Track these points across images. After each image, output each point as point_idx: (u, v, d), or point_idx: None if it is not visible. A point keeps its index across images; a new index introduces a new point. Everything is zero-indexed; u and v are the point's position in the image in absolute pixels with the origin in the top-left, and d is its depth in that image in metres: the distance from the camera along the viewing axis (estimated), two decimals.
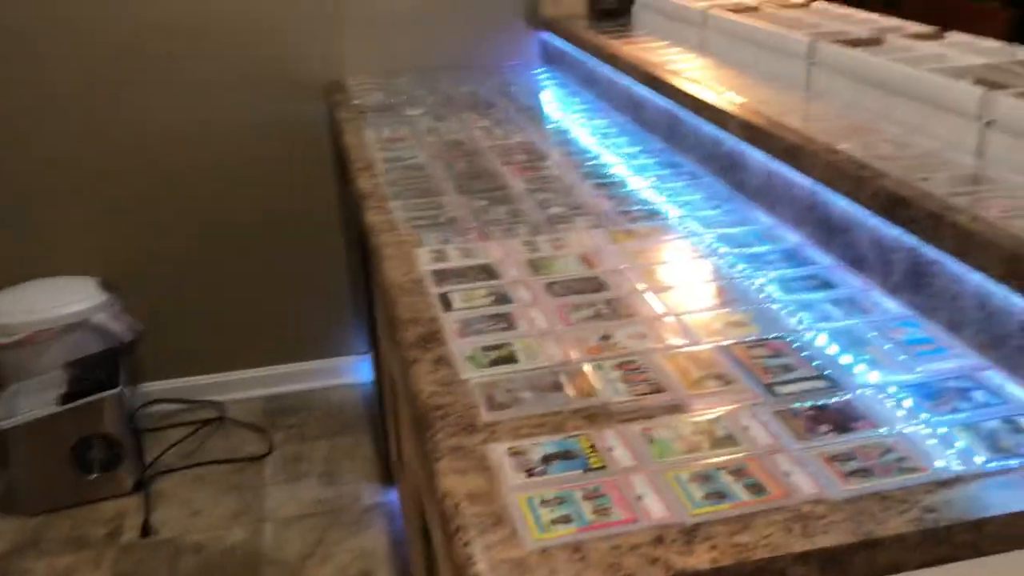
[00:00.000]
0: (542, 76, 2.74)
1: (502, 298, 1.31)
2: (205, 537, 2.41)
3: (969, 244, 1.04)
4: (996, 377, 1.06)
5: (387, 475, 2.53)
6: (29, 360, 2.56)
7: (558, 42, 2.67)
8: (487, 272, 1.40)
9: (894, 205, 1.17)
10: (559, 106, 2.41)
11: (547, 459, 0.94)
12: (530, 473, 0.92)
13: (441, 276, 1.39)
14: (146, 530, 2.43)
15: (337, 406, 2.97)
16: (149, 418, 2.89)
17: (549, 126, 2.24)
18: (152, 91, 2.67)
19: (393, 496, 2.50)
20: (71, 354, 2.59)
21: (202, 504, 2.54)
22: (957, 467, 0.91)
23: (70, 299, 2.61)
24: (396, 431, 2.12)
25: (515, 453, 0.95)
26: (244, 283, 2.92)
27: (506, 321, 1.24)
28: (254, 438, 2.82)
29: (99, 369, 2.57)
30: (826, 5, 2.04)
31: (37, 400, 2.47)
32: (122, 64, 2.63)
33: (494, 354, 1.15)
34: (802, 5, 2.09)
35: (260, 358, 3.02)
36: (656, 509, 0.86)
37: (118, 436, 2.53)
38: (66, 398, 2.46)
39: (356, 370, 3.05)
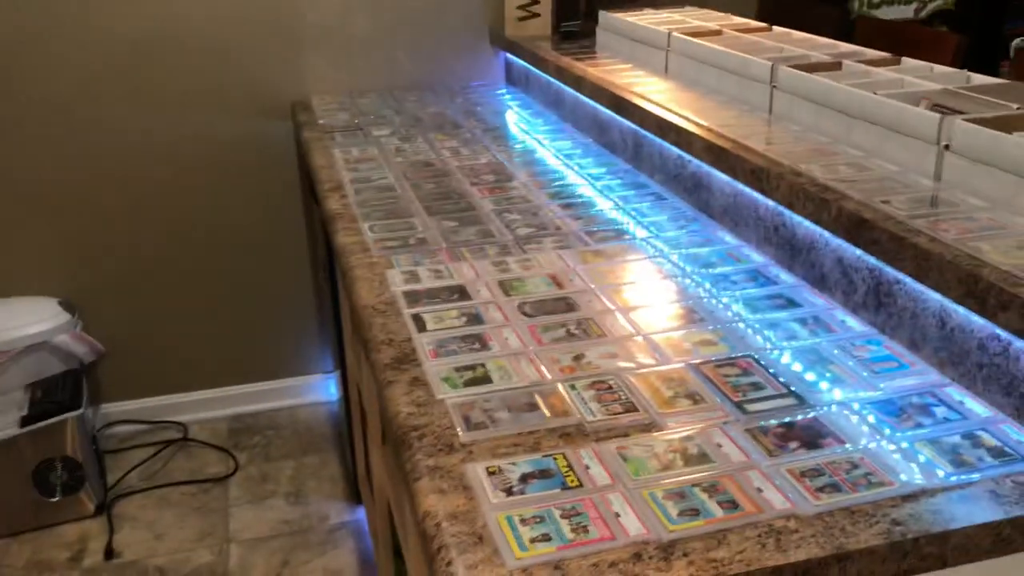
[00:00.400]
0: (507, 97, 2.77)
1: (474, 318, 1.33)
2: (169, 560, 2.38)
3: (928, 265, 1.08)
4: (956, 393, 1.10)
5: (354, 494, 2.53)
6: None
7: (522, 63, 2.70)
8: (459, 293, 1.41)
9: (856, 227, 1.20)
10: (525, 127, 2.44)
11: (525, 478, 0.96)
12: (509, 492, 0.93)
13: (413, 297, 1.40)
14: (109, 553, 2.40)
15: (303, 425, 2.96)
16: (111, 439, 2.86)
17: (515, 146, 2.26)
18: (116, 109, 2.65)
19: (361, 515, 2.50)
20: (32, 375, 2.56)
21: (166, 526, 2.51)
22: (921, 481, 0.94)
23: (30, 320, 2.58)
24: (364, 449, 2.12)
25: (493, 472, 0.97)
26: (208, 302, 2.90)
27: (479, 341, 1.26)
28: (218, 458, 2.80)
29: (60, 390, 2.54)
30: (786, 30, 2.09)
31: None
32: (84, 82, 2.61)
33: (469, 374, 1.17)
34: (763, 29, 2.14)
35: (224, 377, 3.00)
36: (633, 526, 0.88)
37: (80, 458, 2.50)
38: (27, 420, 2.43)
39: (322, 388, 3.05)
